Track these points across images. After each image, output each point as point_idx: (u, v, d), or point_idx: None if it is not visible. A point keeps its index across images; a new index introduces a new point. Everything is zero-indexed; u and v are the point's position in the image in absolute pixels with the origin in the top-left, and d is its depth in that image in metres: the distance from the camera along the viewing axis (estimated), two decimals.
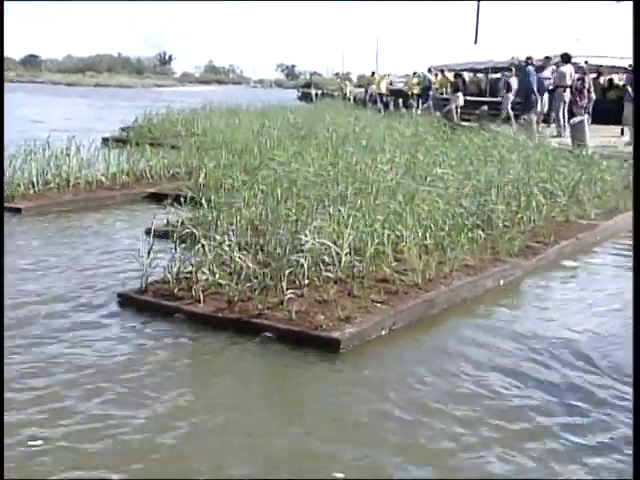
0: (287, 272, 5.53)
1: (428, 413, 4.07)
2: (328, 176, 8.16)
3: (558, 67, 19.04)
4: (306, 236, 5.73)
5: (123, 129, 20.86)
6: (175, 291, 5.73)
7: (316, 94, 48.00)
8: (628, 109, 17.87)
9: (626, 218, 9.31)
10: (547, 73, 21.70)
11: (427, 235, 6.69)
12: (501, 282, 6.58)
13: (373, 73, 36.80)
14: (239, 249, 5.95)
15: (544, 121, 21.04)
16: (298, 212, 6.43)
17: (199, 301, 5.55)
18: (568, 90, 18.40)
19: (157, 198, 10.55)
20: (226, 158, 10.90)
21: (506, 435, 3.84)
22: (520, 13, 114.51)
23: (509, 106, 21.66)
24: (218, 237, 5.93)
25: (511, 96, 22.34)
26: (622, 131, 18.16)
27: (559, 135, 18.17)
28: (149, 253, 5.96)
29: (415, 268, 6.05)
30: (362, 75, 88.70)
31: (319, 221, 6.13)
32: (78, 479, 3.37)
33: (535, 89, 19.65)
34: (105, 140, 17.38)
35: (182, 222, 7.09)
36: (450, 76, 36.58)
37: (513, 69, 25.55)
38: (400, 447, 3.70)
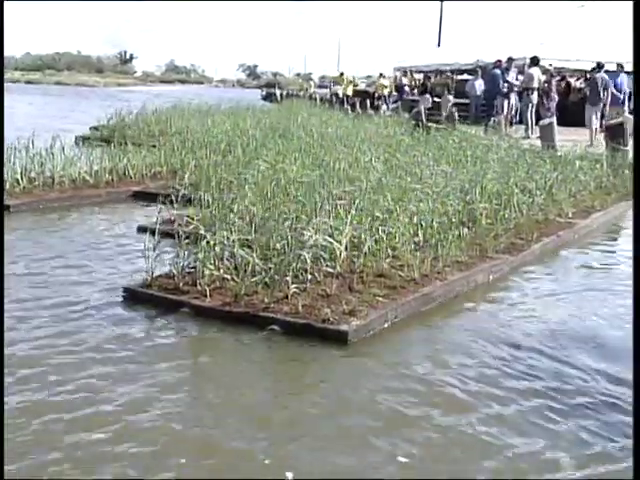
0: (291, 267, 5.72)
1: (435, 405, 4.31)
2: (320, 175, 8.33)
3: (525, 69, 19.42)
4: (309, 232, 5.91)
5: (96, 128, 20.86)
6: (180, 285, 5.90)
7: (281, 94, 48.18)
8: (589, 111, 18.38)
9: (600, 218, 9.68)
10: (512, 75, 22.17)
11: (418, 232, 6.93)
12: (490, 277, 6.84)
13: (342, 74, 36.96)
14: (241, 245, 6.13)
15: (510, 123, 21.49)
16: (297, 209, 6.62)
17: (205, 295, 5.72)
18: (536, 92, 18.81)
19: (141, 196, 10.71)
20: (210, 157, 11.03)
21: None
22: (484, 16, 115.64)
23: (450, 107, 21.95)
24: (224, 233, 6.07)
25: (451, 98, 22.64)
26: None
27: (527, 137, 18.56)
28: (154, 248, 6.09)
29: (409, 264, 6.28)
30: (323, 76, 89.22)
31: (317, 218, 6.31)
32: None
33: (503, 92, 20.04)
34: (80, 138, 17.45)
35: (184, 219, 7.22)
36: (417, 77, 37.12)
37: (479, 71, 25.96)
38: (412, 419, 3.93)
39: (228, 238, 6.06)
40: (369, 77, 42.41)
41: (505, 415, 4.13)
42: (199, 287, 5.83)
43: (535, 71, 19.11)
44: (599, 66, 19.07)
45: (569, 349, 5.17)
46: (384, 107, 27.82)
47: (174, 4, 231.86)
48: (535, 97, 18.86)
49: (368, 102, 28.86)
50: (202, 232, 6.11)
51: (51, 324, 5.39)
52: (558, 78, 22.60)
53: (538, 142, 16.26)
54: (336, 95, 34.08)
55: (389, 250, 6.54)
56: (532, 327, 5.66)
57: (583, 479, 3.55)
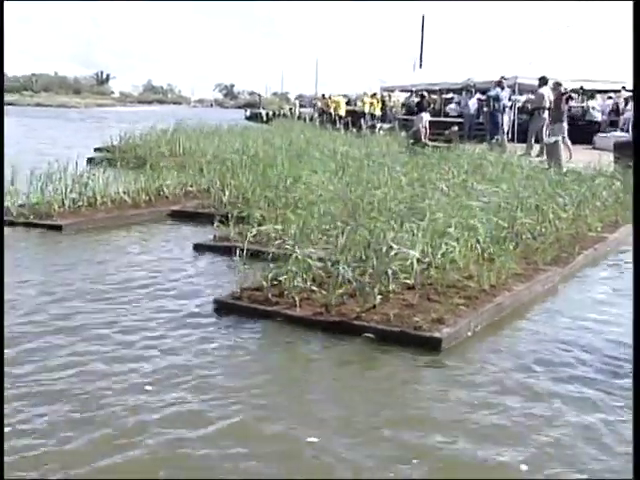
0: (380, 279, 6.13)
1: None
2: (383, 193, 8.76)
3: (537, 89, 19.99)
4: (396, 246, 6.33)
5: (100, 149, 21.16)
6: (269, 296, 6.28)
7: (267, 114, 48.72)
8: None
9: (626, 230, 10.17)
10: (506, 94, 22.82)
11: (477, 246, 7.38)
12: (545, 287, 7.30)
13: (323, 95, 37.50)
14: (320, 259, 6.53)
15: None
16: (381, 226, 7.02)
17: (295, 305, 6.11)
18: (547, 112, 19.39)
19: (180, 215, 11.08)
20: (244, 176, 11.42)
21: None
22: (467, 34, 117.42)
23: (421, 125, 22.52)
24: (311, 249, 6.47)
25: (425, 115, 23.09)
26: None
27: (528, 154, 19.12)
28: (244, 263, 6.48)
29: (477, 275, 6.72)
30: (300, 95, 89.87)
31: (392, 233, 6.73)
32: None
33: (503, 110, 20.66)
34: (90, 160, 17.74)
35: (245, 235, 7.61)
36: (402, 97, 37.70)
37: (473, 90, 26.58)
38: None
39: (312, 253, 6.45)
40: (345, 96, 42.84)
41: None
42: (287, 298, 6.20)
43: (545, 90, 19.70)
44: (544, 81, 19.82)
45: None
46: (379, 125, 28.30)
47: (149, 25, 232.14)
48: (546, 116, 19.42)
49: (362, 121, 29.36)
50: (289, 247, 6.49)
51: (154, 333, 5.74)
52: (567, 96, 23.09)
53: (536, 159, 16.87)
54: (327, 114, 34.56)
55: (453, 264, 6.95)
56: (603, 330, 6.09)
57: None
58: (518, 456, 3.93)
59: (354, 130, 27.95)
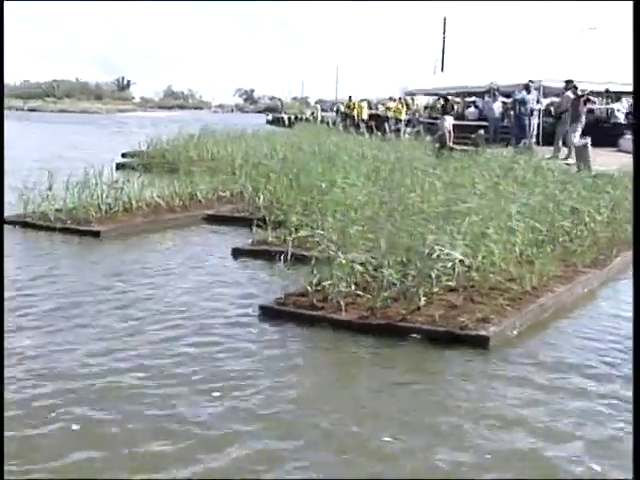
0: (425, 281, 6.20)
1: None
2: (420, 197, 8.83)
3: (563, 93, 19.92)
4: (440, 248, 6.39)
5: (128, 154, 21.36)
6: (314, 302, 6.35)
7: (289, 118, 48.77)
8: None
9: None
10: (533, 97, 22.77)
11: (516, 248, 7.42)
12: (585, 289, 7.34)
13: (350, 98, 37.48)
14: (362, 264, 6.60)
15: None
16: (415, 228, 7.09)
17: (340, 310, 6.18)
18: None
19: (215, 219, 11.18)
20: (281, 182, 11.51)
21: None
22: (487, 38, 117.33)
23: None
24: (353, 253, 6.54)
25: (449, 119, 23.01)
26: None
27: (555, 157, 19.07)
28: (288, 268, 6.57)
29: (519, 277, 6.77)
30: (320, 99, 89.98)
31: (432, 236, 6.79)
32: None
33: (531, 114, 20.64)
34: (120, 165, 17.94)
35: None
36: (424, 100, 37.75)
37: (497, 93, 26.53)
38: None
39: (356, 257, 6.52)
40: (365, 100, 42.71)
41: None
42: (332, 303, 6.27)
43: (571, 94, 19.65)
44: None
45: None
46: (404, 129, 28.31)
47: (170, 29, 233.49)
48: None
49: (387, 125, 29.38)
50: (333, 252, 6.57)
51: (200, 336, 5.83)
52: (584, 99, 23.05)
53: (564, 162, 16.85)
54: (350, 118, 34.57)
55: (493, 266, 7.00)
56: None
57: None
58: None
59: (378, 134, 27.97)
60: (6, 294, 6.28)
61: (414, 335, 5.78)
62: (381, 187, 10.28)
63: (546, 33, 37.12)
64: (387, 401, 4.72)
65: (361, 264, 6.53)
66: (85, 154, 22.81)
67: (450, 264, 6.58)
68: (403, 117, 30.04)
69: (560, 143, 19.72)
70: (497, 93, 26.75)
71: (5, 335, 5.43)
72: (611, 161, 16.75)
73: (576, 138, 18.67)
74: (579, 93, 19.34)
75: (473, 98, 33.05)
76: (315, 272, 6.59)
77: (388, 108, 30.88)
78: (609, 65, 26.23)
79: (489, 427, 4.29)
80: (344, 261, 6.46)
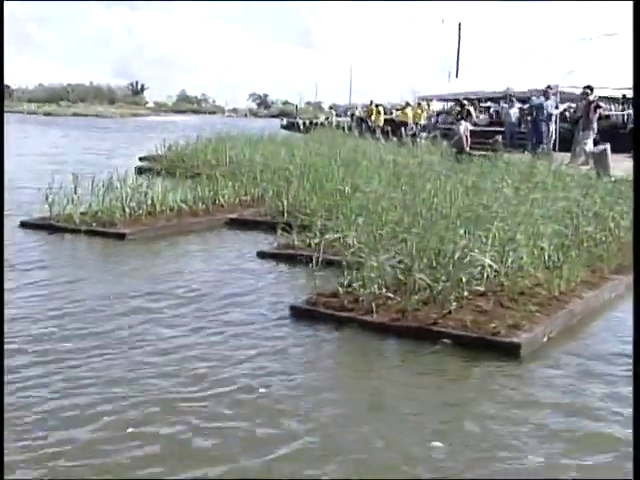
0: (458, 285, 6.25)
1: None
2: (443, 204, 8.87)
3: (582, 99, 19.91)
4: (473, 253, 6.43)
5: (145, 158, 21.49)
6: (345, 303, 6.39)
7: (304, 123, 48.92)
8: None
9: None
10: (551, 102, 22.77)
11: (544, 254, 7.45)
12: (613, 295, 7.36)
13: (371, 102, 37.51)
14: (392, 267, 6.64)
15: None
16: (447, 233, 7.12)
17: (371, 312, 6.22)
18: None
19: (237, 223, 11.25)
20: (303, 186, 11.57)
21: None
22: (506, 44, 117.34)
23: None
24: (384, 257, 6.58)
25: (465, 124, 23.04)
26: None
27: (573, 163, 19.06)
28: (316, 270, 6.64)
29: (547, 282, 6.80)
30: (333, 104, 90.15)
31: (464, 241, 6.82)
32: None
33: (550, 119, 20.66)
34: (139, 169, 18.02)
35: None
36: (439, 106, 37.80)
37: (514, 99, 26.57)
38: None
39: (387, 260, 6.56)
40: (378, 105, 42.64)
41: None
42: (362, 305, 6.32)
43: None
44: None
45: None
46: (423, 135, 28.36)
47: (183, 34, 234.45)
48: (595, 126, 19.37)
49: (403, 130, 29.44)
50: (364, 255, 6.62)
51: (231, 338, 5.89)
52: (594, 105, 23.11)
53: (583, 168, 16.82)
54: (366, 123, 34.66)
55: (521, 271, 7.03)
56: None
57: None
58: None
59: (394, 139, 28.04)
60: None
61: (445, 340, 5.80)
62: (404, 192, 10.30)
63: (563, 39, 37.00)
64: (425, 402, 4.76)
65: (392, 267, 6.56)
66: (103, 158, 23.10)
67: (479, 269, 6.62)
68: (422, 122, 30.05)
69: (578, 149, 19.70)
70: (514, 99, 26.79)
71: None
72: (628, 166, 16.70)
73: (588, 145, 18.71)
74: (590, 99, 19.33)
75: (488, 104, 33.13)
76: (346, 274, 6.62)
77: (405, 113, 30.89)
78: (626, 71, 26.19)
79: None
80: (375, 263, 6.49)
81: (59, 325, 6.03)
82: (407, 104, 33.98)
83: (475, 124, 28.36)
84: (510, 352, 5.59)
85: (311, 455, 3.97)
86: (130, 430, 4.17)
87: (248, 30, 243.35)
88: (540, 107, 21.65)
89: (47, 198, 10.83)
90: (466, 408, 4.75)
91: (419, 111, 31.31)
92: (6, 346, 5.18)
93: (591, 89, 20.15)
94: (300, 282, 7.71)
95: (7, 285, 6.73)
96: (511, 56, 40.62)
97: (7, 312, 6.06)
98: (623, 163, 17.56)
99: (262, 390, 4.79)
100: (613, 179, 14.67)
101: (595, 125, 19.30)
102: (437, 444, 4.12)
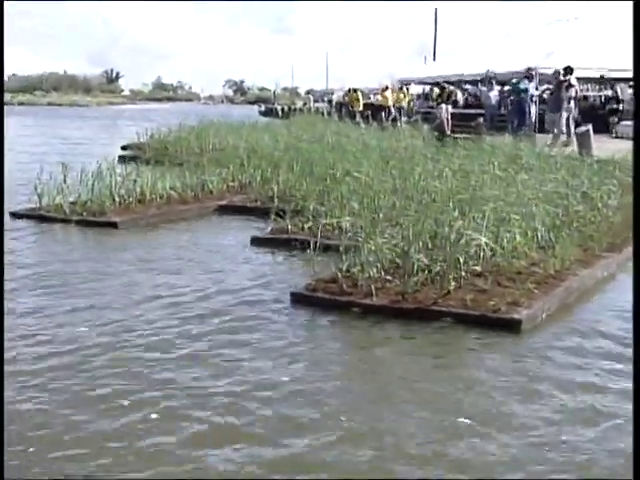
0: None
1: None
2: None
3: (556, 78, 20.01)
4: (469, 233, 6.52)
5: (128, 147, 21.41)
6: (344, 287, 6.46)
7: (282, 109, 48.74)
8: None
9: None
10: (532, 84, 22.88)
11: (537, 234, 7.56)
12: (605, 273, 7.49)
13: (350, 90, 37.44)
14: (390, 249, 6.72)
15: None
16: (443, 215, 7.20)
17: (371, 295, 6.29)
18: (572, 101, 19.48)
19: (227, 210, 11.27)
20: (292, 171, 11.61)
21: None
22: (483, 26, 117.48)
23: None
24: (379, 240, 6.65)
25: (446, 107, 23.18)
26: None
27: (553, 145, 19.20)
28: (316, 255, 6.70)
29: (535, 262, 6.91)
30: (310, 90, 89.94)
31: (459, 222, 6.90)
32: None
33: (532, 101, 20.79)
34: (122, 158, 17.99)
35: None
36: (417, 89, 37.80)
37: (494, 82, 26.65)
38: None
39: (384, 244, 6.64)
40: (356, 90, 42.59)
41: None
42: (361, 288, 6.38)
43: (572, 81, 19.76)
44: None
45: None
46: (403, 119, 28.38)
47: (157, 22, 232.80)
48: (572, 106, 19.50)
49: (383, 115, 29.44)
50: (360, 238, 6.69)
51: (237, 324, 5.95)
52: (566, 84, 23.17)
53: (565, 150, 16.97)
54: (345, 108, 34.64)
55: (515, 250, 7.13)
56: None
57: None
58: None
59: (374, 124, 28.02)
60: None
61: (447, 319, 5.89)
62: (393, 176, 10.37)
63: (539, 20, 37.11)
64: (441, 379, 4.86)
65: (390, 250, 6.63)
66: (84, 148, 22.99)
67: (475, 249, 6.71)
68: (404, 105, 30.06)
69: (556, 130, 19.86)
70: (494, 81, 26.87)
71: None
72: (609, 147, 16.89)
73: (563, 125, 18.92)
74: (560, 79, 19.47)
75: (466, 86, 33.17)
76: (344, 258, 6.69)
77: (385, 97, 30.87)
78: (605, 52, 26.37)
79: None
80: (373, 247, 6.56)
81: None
82: (386, 87, 33.95)
83: (455, 106, 28.48)
84: (511, 328, 5.71)
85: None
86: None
87: (223, 16, 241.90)
88: (525, 90, 21.71)
89: (36, 188, 10.81)
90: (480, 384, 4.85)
91: (401, 95, 31.27)
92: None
93: (571, 70, 20.28)
94: (296, 267, 7.77)
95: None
96: (489, 38, 40.70)
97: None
98: (605, 144, 17.76)
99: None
100: (595, 159, 14.81)
101: (571, 105, 19.47)
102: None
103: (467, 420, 4.21)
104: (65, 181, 10.88)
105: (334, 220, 8.15)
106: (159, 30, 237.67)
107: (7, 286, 6.43)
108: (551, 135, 19.94)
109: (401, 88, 32.96)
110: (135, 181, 11.18)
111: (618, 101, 26.27)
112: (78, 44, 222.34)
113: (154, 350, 5.28)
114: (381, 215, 7.62)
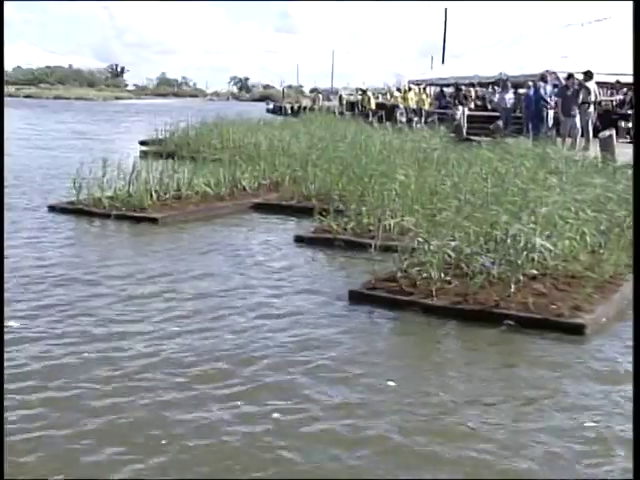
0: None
1: None
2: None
3: (583, 84, 20.07)
4: (529, 238, 6.58)
5: (146, 142, 21.41)
6: (404, 287, 6.52)
7: (292, 107, 48.77)
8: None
9: None
10: (549, 87, 22.91)
11: (587, 238, 7.62)
12: None
13: (362, 90, 37.60)
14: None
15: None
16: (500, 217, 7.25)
17: (431, 295, 6.35)
18: (592, 106, 19.54)
19: (262, 208, 11.33)
20: (328, 171, 11.67)
21: None
22: (496, 28, 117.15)
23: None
24: (436, 241, 6.72)
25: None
26: None
27: (573, 148, 19.25)
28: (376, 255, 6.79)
29: (588, 266, 6.96)
30: (315, 88, 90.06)
31: (518, 225, 6.94)
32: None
33: (549, 105, 20.83)
34: (144, 153, 18.04)
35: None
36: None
37: (509, 85, 26.67)
38: None
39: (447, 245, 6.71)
40: (367, 90, 42.77)
41: None
42: (420, 288, 6.45)
43: (591, 85, 19.82)
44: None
45: None
46: (417, 119, 28.40)
47: (163, 18, 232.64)
48: (592, 110, 19.56)
49: (398, 115, 29.48)
50: (421, 239, 6.76)
51: (296, 323, 6.03)
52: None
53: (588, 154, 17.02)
54: (358, 108, 34.73)
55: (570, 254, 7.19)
56: None
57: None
58: None
59: (387, 124, 28.02)
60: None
61: (508, 322, 5.95)
62: (436, 178, 10.44)
63: (552, 23, 37.10)
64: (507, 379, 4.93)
65: (453, 251, 6.70)
66: (105, 144, 23.01)
67: (534, 253, 6.76)
68: (427, 107, 30.06)
69: (579, 134, 19.91)
70: (509, 84, 26.88)
71: None
72: (627, 152, 16.93)
73: (580, 129, 19.00)
74: (567, 84, 19.57)
75: (477, 88, 33.21)
76: (403, 258, 6.75)
77: (404, 98, 30.95)
78: (620, 56, 26.39)
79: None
80: (433, 247, 6.62)
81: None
82: (409, 88, 33.98)
83: (470, 109, 28.55)
84: (574, 332, 5.77)
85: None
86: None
87: (227, 13, 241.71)
88: (545, 94, 21.75)
89: (74, 183, 10.85)
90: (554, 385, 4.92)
91: (423, 96, 31.30)
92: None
93: (591, 75, 20.35)
94: (346, 266, 7.84)
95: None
96: (501, 41, 40.68)
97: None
98: (623, 149, 17.79)
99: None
100: (619, 163, 14.86)
101: (590, 110, 19.54)
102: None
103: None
104: (104, 175, 10.91)
105: (396, 220, 8.19)
106: (163, 26, 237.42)
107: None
108: (568, 139, 20.00)
109: (424, 89, 32.98)
110: (173, 177, 11.22)
111: (632, 106, 26.30)
112: (84, 39, 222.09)
113: None
114: (443, 216, 7.62)
